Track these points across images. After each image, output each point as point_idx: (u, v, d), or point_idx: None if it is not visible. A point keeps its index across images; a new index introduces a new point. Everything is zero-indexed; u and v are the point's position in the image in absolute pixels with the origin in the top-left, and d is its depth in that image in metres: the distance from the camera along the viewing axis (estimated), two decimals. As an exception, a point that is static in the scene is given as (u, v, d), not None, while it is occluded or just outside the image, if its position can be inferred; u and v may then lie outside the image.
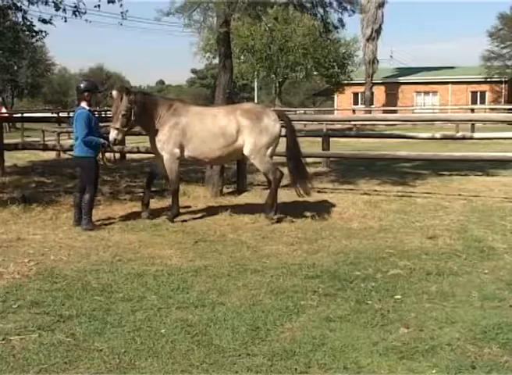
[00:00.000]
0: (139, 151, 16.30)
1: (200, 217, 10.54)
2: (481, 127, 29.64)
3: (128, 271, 7.37)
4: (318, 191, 13.05)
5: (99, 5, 15.30)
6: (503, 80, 63.31)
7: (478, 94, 64.15)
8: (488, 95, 64.16)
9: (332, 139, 16.81)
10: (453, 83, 64.27)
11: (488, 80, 62.78)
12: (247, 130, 10.22)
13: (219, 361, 4.91)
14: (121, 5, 15.09)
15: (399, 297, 6.42)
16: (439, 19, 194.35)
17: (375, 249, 8.37)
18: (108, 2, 14.94)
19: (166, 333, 5.46)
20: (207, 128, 10.28)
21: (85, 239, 9.02)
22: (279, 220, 10.20)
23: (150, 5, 16.70)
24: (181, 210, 10.80)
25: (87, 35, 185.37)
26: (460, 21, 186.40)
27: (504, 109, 48.70)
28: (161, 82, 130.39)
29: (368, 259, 7.84)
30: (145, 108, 10.12)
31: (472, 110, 43.60)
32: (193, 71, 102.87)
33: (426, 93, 65.79)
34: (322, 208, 10.96)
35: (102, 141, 9.89)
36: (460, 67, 68.50)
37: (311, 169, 16.34)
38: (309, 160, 14.44)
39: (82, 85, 10.06)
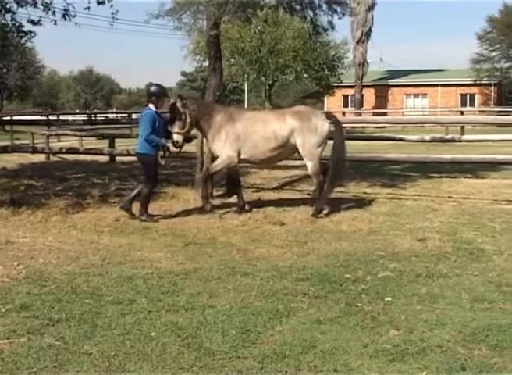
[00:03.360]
0: (129, 154, 16.27)
1: (190, 220, 10.52)
2: (471, 130, 29.74)
3: (118, 274, 7.35)
4: (308, 194, 13.06)
5: (89, 7, 15.26)
6: (492, 82, 63.52)
7: (468, 96, 64.36)
8: (477, 98, 64.38)
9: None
10: (442, 85, 64.44)
11: (478, 82, 62.97)
12: (297, 130, 10.80)
13: (209, 364, 4.90)
14: (111, 6, 15.04)
15: (389, 299, 6.43)
16: (428, 22, 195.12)
17: (365, 251, 8.38)
18: (98, 4, 14.89)
19: (156, 336, 5.44)
20: (259, 132, 10.89)
21: (74, 242, 8.99)
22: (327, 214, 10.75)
23: (140, 8, 16.70)
24: (170, 213, 10.81)
25: (76, 37, 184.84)
26: (449, 24, 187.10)
27: (493, 112, 48.93)
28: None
29: (358, 262, 7.85)
30: (202, 114, 10.84)
31: (462, 112, 43.78)
32: (183, 74, 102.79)
33: (416, 95, 65.93)
34: (312, 211, 10.95)
35: (163, 142, 10.47)
36: (449, 70, 68.69)
37: (300, 172, 16.41)
38: (299, 163, 14.46)
39: (151, 89, 10.76)
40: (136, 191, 10.69)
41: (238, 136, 10.84)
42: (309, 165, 11.00)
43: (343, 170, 11.34)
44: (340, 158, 11.07)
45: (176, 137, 10.65)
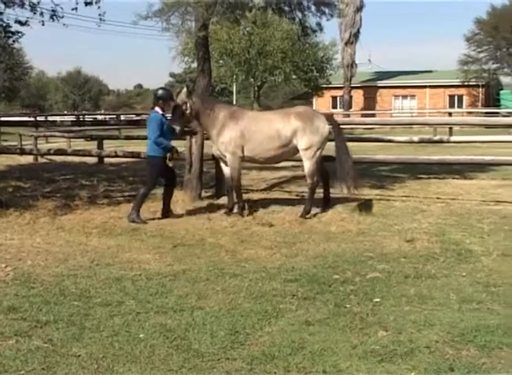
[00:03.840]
0: (117, 156, 16.23)
1: (179, 221, 10.50)
2: (459, 131, 29.83)
3: (106, 276, 7.33)
4: (297, 195, 13.07)
5: (76, 8, 15.18)
6: (480, 84, 63.82)
7: (456, 97, 64.61)
8: (465, 99, 64.64)
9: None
10: (430, 87, 64.67)
11: (466, 84, 63.24)
12: (300, 130, 10.94)
13: (198, 365, 4.89)
14: (98, 7, 14.98)
15: (377, 300, 6.44)
16: (416, 24, 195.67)
17: (353, 252, 8.39)
18: (86, 5, 14.82)
19: (145, 337, 5.43)
20: (263, 131, 11.07)
21: (63, 244, 8.96)
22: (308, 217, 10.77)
23: (128, 9, 16.63)
24: (159, 215, 10.80)
25: (64, 38, 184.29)
26: (437, 26, 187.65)
27: (481, 113, 49.12)
28: (140, 86, 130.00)
29: (346, 263, 7.86)
30: (204, 108, 11.04)
31: (450, 114, 43.95)
32: (172, 75, 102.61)
33: (404, 97, 66.13)
34: (301, 212, 10.96)
35: (171, 144, 10.74)
36: (437, 71, 68.92)
37: (289, 173, 16.41)
38: (288, 164, 14.48)
39: (158, 93, 11.00)
40: (163, 196, 11.01)
41: (242, 134, 10.98)
42: (307, 165, 11.09)
43: (352, 169, 11.22)
44: (345, 159, 11.22)
45: (175, 127, 10.82)
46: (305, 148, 10.97)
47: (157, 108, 10.85)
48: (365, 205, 11.65)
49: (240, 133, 10.99)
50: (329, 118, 11.51)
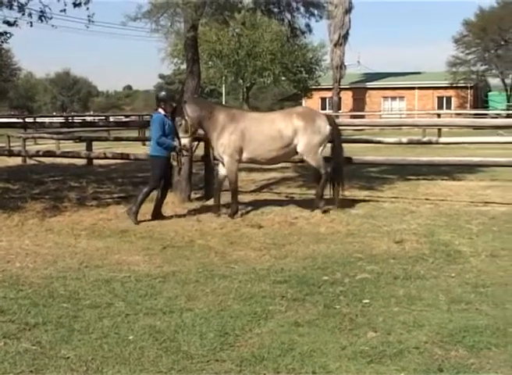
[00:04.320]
0: (106, 157, 16.19)
1: (168, 223, 10.49)
2: (448, 132, 29.90)
3: (95, 278, 7.31)
4: (286, 196, 13.08)
5: (65, 10, 15.12)
6: (469, 85, 64.17)
7: (444, 99, 64.93)
8: (454, 100, 64.96)
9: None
10: (419, 88, 64.95)
11: (454, 85, 63.57)
12: (301, 130, 11.11)
13: (188, 367, 4.89)
14: (87, 9, 14.93)
15: (367, 301, 6.45)
16: (405, 26, 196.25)
17: (342, 254, 8.40)
18: (75, 6, 14.77)
19: (134, 339, 5.42)
20: (265, 132, 11.17)
21: (51, 246, 8.93)
22: (325, 211, 11.14)
23: (117, 10, 16.56)
24: (149, 216, 10.78)
25: (52, 40, 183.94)
26: (426, 27, 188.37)
27: (470, 114, 49.32)
28: (129, 87, 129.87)
29: (335, 264, 7.86)
30: (204, 114, 11.06)
31: (438, 115, 44.05)
32: (161, 76, 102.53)
33: (393, 98, 66.40)
34: (290, 213, 10.98)
35: (174, 143, 10.82)
36: (426, 73, 69.24)
37: (278, 175, 16.43)
38: (277, 166, 14.47)
39: (160, 94, 11.17)
40: (157, 197, 11.00)
41: (241, 136, 11.05)
42: (313, 162, 11.35)
43: (341, 175, 11.70)
44: (340, 159, 11.67)
45: (183, 141, 10.82)
46: (307, 147, 11.14)
47: (160, 110, 10.96)
48: (355, 206, 11.67)
49: (239, 136, 11.04)
50: (330, 119, 11.66)
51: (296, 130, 11.08)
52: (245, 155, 11.21)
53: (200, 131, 11.36)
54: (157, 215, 10.84)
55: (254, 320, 5.89)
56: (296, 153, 11.36)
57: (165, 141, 10.73)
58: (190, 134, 10.93)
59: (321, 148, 11.33)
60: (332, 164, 11.54)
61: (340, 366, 4.89)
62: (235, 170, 11.25)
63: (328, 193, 11.63)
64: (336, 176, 11.56)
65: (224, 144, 11.05)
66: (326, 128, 11.28)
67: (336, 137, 11.52)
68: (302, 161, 11.77)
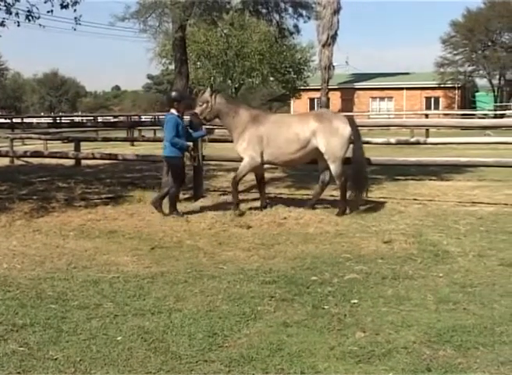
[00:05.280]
0: (94, 158, 16.15)
1: (157, 223, 10.46)
2: (436, 132, 30.00)
3: (83, 278, 7.29)
4: (275, 197, 13.08)
5: (52, 11, 15.06)
6: (456, 86, 64.39)
7: (432, 99, 65.12)
8: (441, 101, 65.15)
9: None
10: (407, 88, 65.10)
11: (442, 86, 63.77)
12: (319, 132, 11.00)
13: (176, 368, 4.88)
14: (75, 11, 14.87)
15: (355, 301, 6.46)
16: (394, 26, 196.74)
17: (331, 254, 8.41)
18: (62, 8, 14.71)
19: (122, 340, 5.41)
20: (282, 135, 11.18)
21: (39, 246, 8.89)
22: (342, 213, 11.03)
23: (105, 10, 16.55)
24: (137, 217, 10.76)
25: (40, 40, 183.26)
26: (414, 28, 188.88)
27: (457, 115, 49.51)
28: (117, 88, 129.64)
29: (324, 264, 7.87)
30: (228, 109, 11.40)
31: (426, 115, 44.20)
32: (150, 77, 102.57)
33: (381, 98, 66.51)
34: (279, 214, 10.98)
35: (187, 143, 11.16)
36: (414, 73, 69.46)
37: (267, 175, 16.41)
38: (266, 166, 14.45)
39: (172, 95, 11.45)
40: (166, 189, 11.43)
41: (261, 138, 11.17)
42: (332, 167, 11.18)
43: (363, 178, 11.50)
44: (361, 162, 11.41)
45: (191, 117, 11.45)
46: (326, 150, 11.03)
47: (172, 110, 11.17)
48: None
49: (259, 139, 11.19)
50: (350, 120, 11.44)
51: (313, 131, 11.00)
52: (264, 158, 11.32)
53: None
54: (157, 204, 11.11)
55: (242, 321, 5.89)
56: (317, 154, 11.21)
57: (178, 141, 10.95)
58: (202, 118, 11.35)
59: (342, 151, 11.12)
60: (354, 165, 11.35)
61: (329, 366, 4.89)
62: (247, 170, 11.45)
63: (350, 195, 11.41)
64: (358, 178, 11.33)
65: (244, 145, 11.29)
66: (345, 130, 11.10)
67: (356, 139, 11.31)
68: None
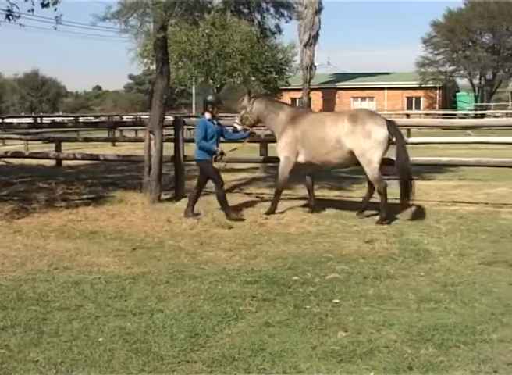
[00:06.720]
0: (75, 158, 16.08)
1: (138, 224, 10.44)
2: (417, 132, 30.13)
3: (64, 279, 7.25)
4: (256, 197, 13.09)
5: (33, 10, 14.95)
6: (437, 86, 64.78)
7: (414, 99, 65.51)
8: (423, 101, 65.54)
9: (269, 144, 16.83)
10: (388, 88, 65.42)
11: (423, 86, 64.13)
12: (351, 134, 10.67)
13: (158, 368, 4.87)
14: (55, 10, 14.77)
15: (337, 301, 6.47)
16: (375, 26, 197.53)
17: (312, 254, 8.43)
18: (43, 7, 14.60)
19: (104, 341, 5.39)
20: (316, 134, 11.02)
21: (20, 247, 8.83)
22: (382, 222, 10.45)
23: (86, 10, 16.46)
24: (118, 218, 10.73)
25: (20, 39, 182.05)
26: (395, 28, 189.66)
27: (439, 115, 49.77)
28: (98, 87, 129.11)
29: (306, 264, 7.88)
30: (268, 112, 11.61)
31: (407, 115, 44.40)
32: (131, 77, 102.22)
33: (363, 98, 66.76)
34: (260, 214, 10.99)
35: (214, 147, 11.07)
36: (395, 73, 69.72)
37: (248, 175, 16.43)
38: (247, 166, 14.49)
39: (208, 98, 11.59)
40: (191, 197, 11.30)
41: (297, 139, 11.17)
42: (367, 171, 10.82)
43: (409, 182, 10.84)
44: (404, 165, 10.82)
45: (235, 125, 11.72)
46: (358, 153, 10.63)
47: (206, 114, 11.28)
48: (325, 207, 11.70)
49: (295, 139, 11.19)
50: (389, 122, 10.85)
51: (346, 133, 10.65)
52: (301, 158, 11.25)
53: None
54: (189, 214, 11.01)
55: (224, 321, 5.89)
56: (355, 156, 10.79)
57: (204, 144, 10.98)
58: (244, 125, 11.62)
59: (376, 154, 10.61)
60: (397, 168, 10.86)
61: (311, 365, 4.90)
62: (287, 172, 11.36)
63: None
64: (403, 180, 10.78)
65: (281, 145, 11.40)
66: (379, 133, 10.54)
67: (397, 141, 10.75)
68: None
